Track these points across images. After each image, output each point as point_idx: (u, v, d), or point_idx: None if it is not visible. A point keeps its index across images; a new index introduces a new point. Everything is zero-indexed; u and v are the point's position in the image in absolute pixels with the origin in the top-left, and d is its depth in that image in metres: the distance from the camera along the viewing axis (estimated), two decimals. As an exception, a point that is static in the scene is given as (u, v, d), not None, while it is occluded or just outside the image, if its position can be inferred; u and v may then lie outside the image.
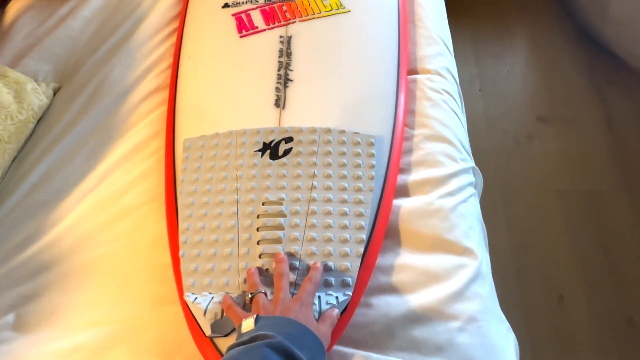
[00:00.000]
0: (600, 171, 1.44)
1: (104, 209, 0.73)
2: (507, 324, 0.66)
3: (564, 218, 1.37)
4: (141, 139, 0.80)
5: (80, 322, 0.62)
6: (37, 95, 0.82)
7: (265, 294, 0.55)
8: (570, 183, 1.45)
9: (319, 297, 0.56)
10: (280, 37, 0.84)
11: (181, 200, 0.67)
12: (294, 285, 0.58)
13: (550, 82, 1.69)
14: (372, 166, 0.68)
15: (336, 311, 0.55)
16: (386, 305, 0.61)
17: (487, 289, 0.65)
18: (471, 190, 0.75)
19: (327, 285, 0.58)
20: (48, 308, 0.64)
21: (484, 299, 0.64)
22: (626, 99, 1.59)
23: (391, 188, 0.69)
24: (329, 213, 0.64)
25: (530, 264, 1.30)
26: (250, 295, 0.55)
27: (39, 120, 0.83)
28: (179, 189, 0.69)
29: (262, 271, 0.59)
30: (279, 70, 0.80)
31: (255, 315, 0.50)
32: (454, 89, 0.87)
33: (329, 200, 0.65)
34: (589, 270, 1.27)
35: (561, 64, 1.70)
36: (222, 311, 0.55)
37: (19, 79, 0.81)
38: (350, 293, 0.57)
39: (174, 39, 0.93)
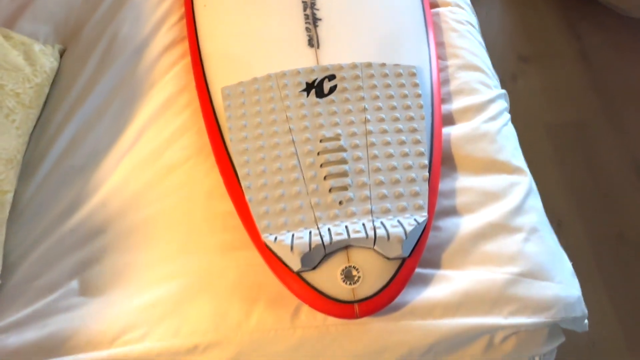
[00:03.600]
0: (582, 103, 1.52)
1: (147, 168, 0.70)
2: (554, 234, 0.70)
3: (553, 150, 1.44)
4: (169, 94, 0.76)
5: (151, 278, 0.60)
6: (47, 57, 0.76)
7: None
8: (555, 116, 1.51)
9: (399, 220, 0.57)
10: (299, -24, 0.80)
11: (234, 148, 0.65)
12: (371, 212, 0.59)
13: (527, 21, 1.73)
14: (419, 95, 0.68)
15: None
16: (454, 226, 0.63)
17: (539, 202, 0.69)
18: (507, 115, 0.77)
19: (402, 210, 0.59)
20: (112, 270, 0.62)
21: (539, 212, 0.67)
22: (598, 32, 1.66)
23: (439, 115, 0.70)
24: (387, 143, 0.64)
25: (529, 195, 1.36)
26: None
27: (52, 84, 0.77)
28: (227, 137, 0.67)
29: (336, 204, 0.59)
30: (304, 10, 0.77)
31: None
32: (474, 20, 0.88)
33: (385, 131, 0.65)
34: (581, 195, 1.35)
35: (535, 2, 1.74)
36: (310, 244, 0.55)
37: (24, 40, 0.75)
38: (426, 214, 0.59)
39: (180, -13, 0.88)
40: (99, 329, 0.56)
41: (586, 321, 0.65)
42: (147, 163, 0.70)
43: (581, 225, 1.32)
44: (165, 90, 0.77)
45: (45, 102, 0.76)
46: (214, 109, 0.71)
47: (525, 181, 0.68)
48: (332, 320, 0.56)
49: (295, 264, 0.55)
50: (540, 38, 1.66)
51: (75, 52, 0.81)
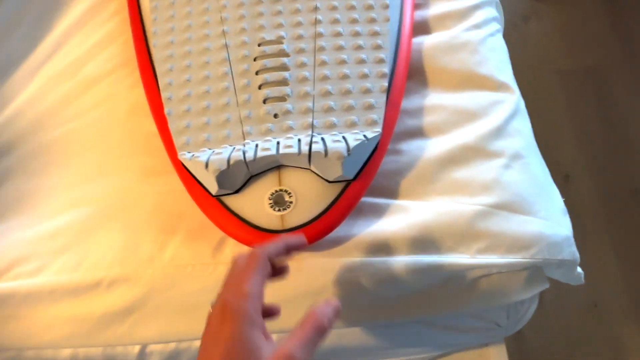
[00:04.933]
0: (600, 46, 1.38)
1: (64, 81, 0.60)
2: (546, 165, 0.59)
3: (565, 98, 1.33)
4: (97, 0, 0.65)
5: (57, 205, 0.52)
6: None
7: None
8: (570, 62, 1.39)
9: (344, 137, 0.46)
10: None
11: (157, 55, 0.55)
12: (311, 127, 0.48)
13: (543, -46, 1.55)
14: (385, -6, 0.56)
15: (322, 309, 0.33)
16: (418, 149, 0.52)
17: (527, 125, 0.57)
18: (497, 25, 0.64)
19: (350, 125, 0.48)
20: (15, 195, 0.53)
21: (526, 136, 0.55)
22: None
23: (410, 20, 0.58)
24: (340, 48, 0.53)
25: (535, 146, 1.25)
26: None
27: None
28: (151, 42, 0.56)
29: (270, 117, 0.49)
30: None
31: None
32: None
33: (338, 34, 0.53)
34: (592, 146, 1.24)
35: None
36: (228, 161, 0.44)
37: None
38: (380, 130, 0.48)
39: None
40: (-13, 260, 0.48)
41: (580, 270, 0.54)
42: (65, 76, 0.60)
43: (591, 180, 1.21)
44: (92, -4, 0.66)
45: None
46: (141, 15, 0.60)
47: (511, 100, 0.56)
48: (261, 255, 0.47)
49: (212, 185, 0.45)
50: (558, -24, 1.50)
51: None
